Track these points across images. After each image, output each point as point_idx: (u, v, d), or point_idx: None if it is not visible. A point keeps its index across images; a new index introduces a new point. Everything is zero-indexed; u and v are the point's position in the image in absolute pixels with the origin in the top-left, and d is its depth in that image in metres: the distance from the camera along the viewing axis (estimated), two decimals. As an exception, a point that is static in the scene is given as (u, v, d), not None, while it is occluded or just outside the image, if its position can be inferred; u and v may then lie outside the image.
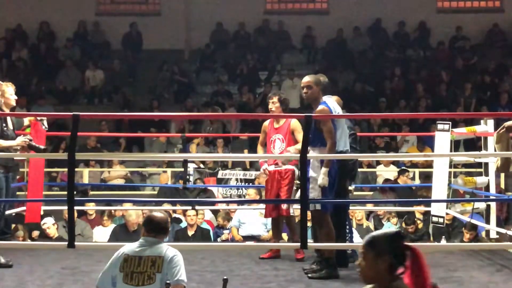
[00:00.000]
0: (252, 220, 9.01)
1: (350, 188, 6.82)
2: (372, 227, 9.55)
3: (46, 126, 6.63)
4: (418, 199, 9.79)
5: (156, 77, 15.98)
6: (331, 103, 5.82)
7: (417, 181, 11.52)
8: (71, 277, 5.82)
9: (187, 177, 9.75)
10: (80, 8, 16.60)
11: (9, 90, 6.31)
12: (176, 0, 16.91)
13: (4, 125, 6.15)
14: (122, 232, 8.63)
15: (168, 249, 4.03)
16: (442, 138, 7.12)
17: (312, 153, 5.59)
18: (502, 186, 10.24)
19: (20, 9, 16.44)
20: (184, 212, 9.45)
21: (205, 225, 9.37)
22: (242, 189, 11.10)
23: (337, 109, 5.86)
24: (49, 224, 8.65)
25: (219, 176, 11.65)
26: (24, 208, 7.12)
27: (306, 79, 5.89)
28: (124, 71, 16.12)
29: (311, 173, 5.58)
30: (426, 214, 8.79)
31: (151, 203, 10.03)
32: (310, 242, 5.82)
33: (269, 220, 7.30)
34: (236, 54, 16.49)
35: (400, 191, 10.99)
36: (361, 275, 2.73)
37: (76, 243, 5.24)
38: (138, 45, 16.61)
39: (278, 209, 6.68)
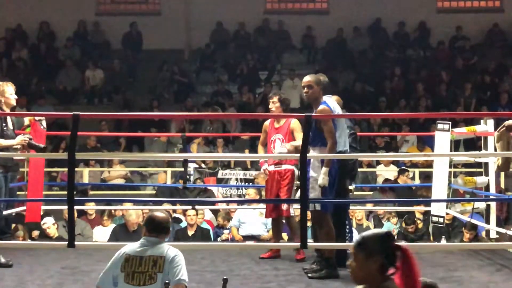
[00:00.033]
0: (252, 220, 9.01)
1: (350, 188, 6.82)
2: (372, 227, 9.54)
3: (45, 126, 6.64)
4: (418, 199, 9.79)
5: (156, 77, 15.98)
6: (331, 103, 5.82)
7: (417, 181, 11.52)
8: (71, 276, 5.82)
9: (187, 177, 9.76)
10: (80, 8, 16.60)
11: (9, 89, 6.31)
12: (176, 0, 16.90)
13: (4, 124, 6.16)
14: (122, 232, 8.62)
15: (169, 249, 4.03)
16: (442, 138, 7.12)
17: (312, 153, 5.59)
18: (502, 186, 10.22)
19: (20, 9, 16.44)
20: (184, 212, 9.45)
21: (205, 225, 9.36)
22: (242, 189, 11.10)
23: (337, 109, 5.86)
24: (49, 224, 8.66)
25: (219, 176, 11.66)
26: (24, 207, 7.12)
27: (307, 78, 5.89)
28: (124, 71, 16.12)
29: (311, 173, 5.58)
30: (426, 214, 8.79)
31: (151, 203, 10.03)
32: (310, 242, 5.82)
33: (269, 220, 7.30)
34: (236, 54, 16.48)
35: (400, 191, 10.99)
36: (352, 276, 2.71)
37: (76, 242, 5.23)
38: (138, 45, 16.61)
39: (278, 210, 6.68)
